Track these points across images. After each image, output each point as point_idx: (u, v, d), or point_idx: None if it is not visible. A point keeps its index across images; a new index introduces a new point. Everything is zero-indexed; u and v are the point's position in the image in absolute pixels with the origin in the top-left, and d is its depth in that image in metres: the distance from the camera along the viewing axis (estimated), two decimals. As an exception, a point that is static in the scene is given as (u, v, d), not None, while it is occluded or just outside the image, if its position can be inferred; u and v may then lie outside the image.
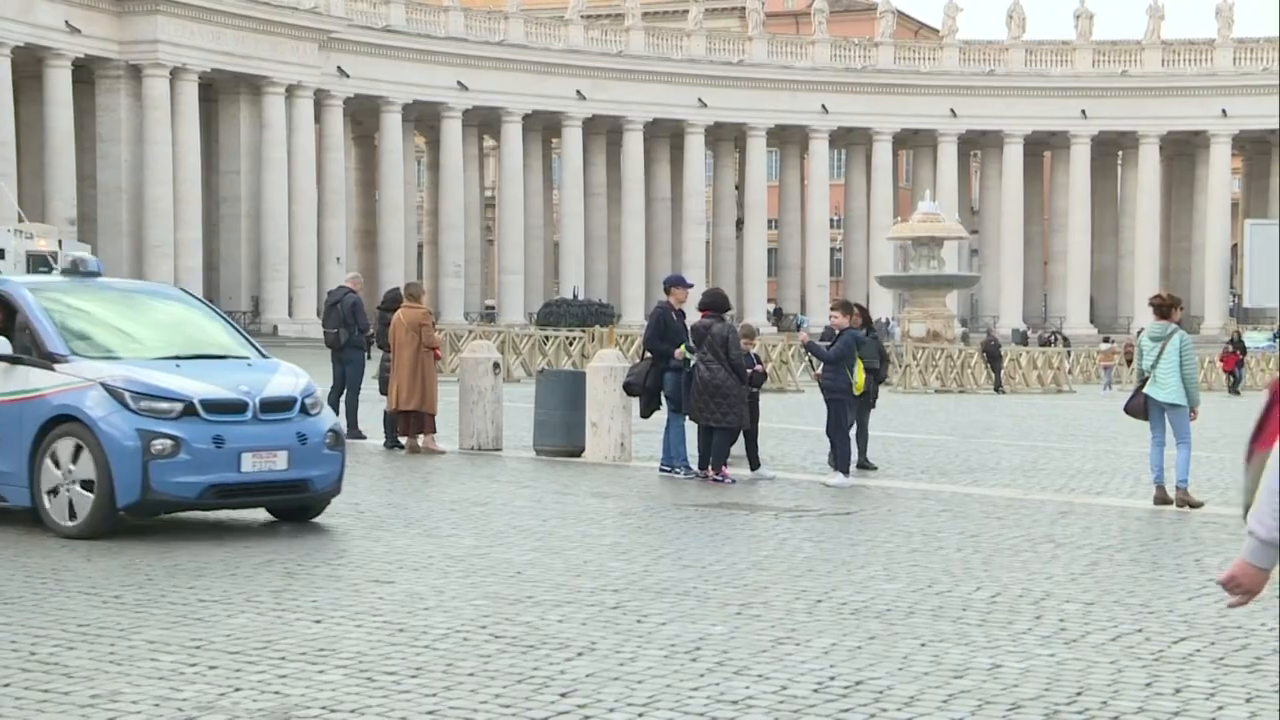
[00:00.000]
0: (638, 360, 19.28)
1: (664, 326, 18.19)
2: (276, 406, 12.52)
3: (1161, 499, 15.86)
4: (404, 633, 8.63)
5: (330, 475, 12.85)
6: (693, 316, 18.33)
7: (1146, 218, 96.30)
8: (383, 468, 18.34)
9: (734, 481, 17.41)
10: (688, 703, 7.21)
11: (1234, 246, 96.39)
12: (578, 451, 19.64)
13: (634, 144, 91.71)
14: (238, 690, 7.30)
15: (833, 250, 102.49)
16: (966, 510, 15.39)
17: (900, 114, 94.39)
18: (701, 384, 17.57)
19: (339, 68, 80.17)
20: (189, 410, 12.00)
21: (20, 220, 56.26)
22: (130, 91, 71.70)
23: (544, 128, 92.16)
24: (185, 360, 12.74)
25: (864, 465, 19.53)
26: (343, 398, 21.25)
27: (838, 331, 18.35)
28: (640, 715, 7.00)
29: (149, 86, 71.12)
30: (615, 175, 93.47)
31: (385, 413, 20.28)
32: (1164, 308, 16.03)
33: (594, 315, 71.66)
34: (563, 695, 7.30)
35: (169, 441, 11.85)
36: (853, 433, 18.80)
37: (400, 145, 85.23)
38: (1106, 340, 67.61)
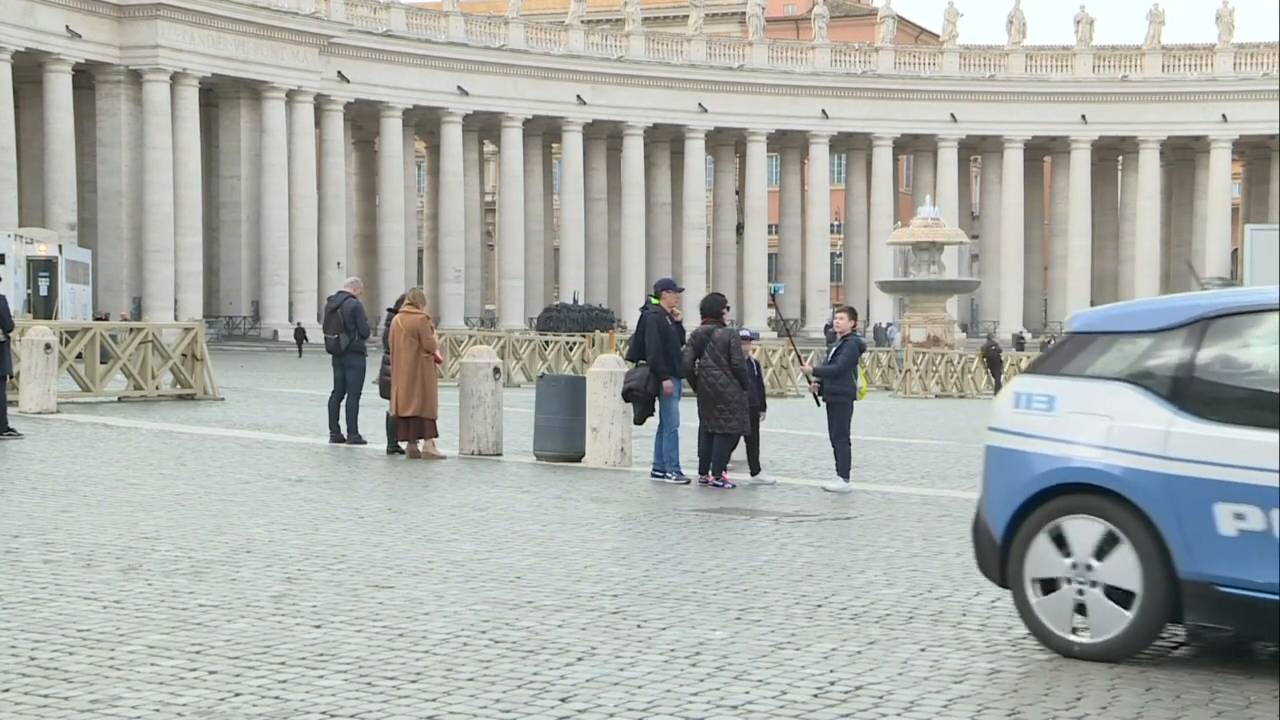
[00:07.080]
0: (634, 365, 19.12)
1: (666, 339, 17.74)
2: None
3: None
4: (404, 638, 8.62)
5: None
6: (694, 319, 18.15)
7: (1147, 222, 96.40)
8: (383, 472, 18.35)
9: (734, 486, 17.38)
10: (688, 708, 7.21)
11: (1234, 252, 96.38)
12: (578, 457, 19.61)
13: (634, 149, 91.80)
14: (237, 695, 7.30)
15: (833, 255, 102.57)
16: (966, 515, 15.31)
17: (900, 119, 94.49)
18: (703, 390, 17.55)
19: (339, 73, 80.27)
20: None
21: None
22: (130, 96, 71.78)
23: (544, 133, 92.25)
24: None
25: None
26: (344, 402, 21.35)
27: (840, 335, 18.25)
28: (640, 720, 7.01)
29: (149, 91, 71.19)
30: (615, 180, 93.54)
31: (386, 417, 20.29)
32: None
33: (594, 320, 71.74)
34: (563, 700, 7.30)
35: None
36: None
37: (400, 150, 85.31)
38: None
